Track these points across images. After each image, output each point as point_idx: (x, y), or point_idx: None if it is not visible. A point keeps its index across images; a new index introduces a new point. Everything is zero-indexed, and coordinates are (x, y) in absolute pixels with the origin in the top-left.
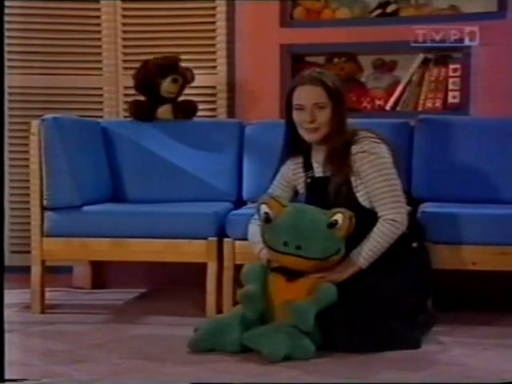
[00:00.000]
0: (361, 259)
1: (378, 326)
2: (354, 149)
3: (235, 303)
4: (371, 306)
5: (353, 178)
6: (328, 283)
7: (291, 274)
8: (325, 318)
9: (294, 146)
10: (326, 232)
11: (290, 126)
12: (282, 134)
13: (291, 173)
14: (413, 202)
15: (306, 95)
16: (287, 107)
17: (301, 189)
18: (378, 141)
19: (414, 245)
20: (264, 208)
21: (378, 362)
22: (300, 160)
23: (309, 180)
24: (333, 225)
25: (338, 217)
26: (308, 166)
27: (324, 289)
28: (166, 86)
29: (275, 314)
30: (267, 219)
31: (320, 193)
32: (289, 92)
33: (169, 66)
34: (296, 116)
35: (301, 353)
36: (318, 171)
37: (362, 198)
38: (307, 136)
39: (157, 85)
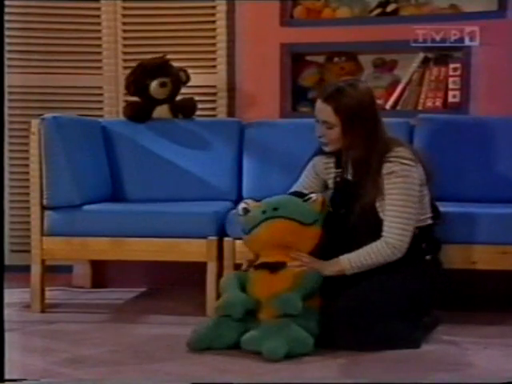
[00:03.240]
0: (347, 264)
1: (379, 325)
2: (385, 167)
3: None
4: (373, 305)
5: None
6: (311, 270)
7: (274, 267)
8: (326, 314)
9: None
10: (301, 202)
11: None
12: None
13: (323, 166)
14: (438, 216)
15: (318, 111)
16: None
17: (330, 184)
18: (411, 162)
19: (428, 257)
20: (242, 205)
21: (377, 361)
22: (332, 159)
23: (338, 179)
24: (307, 200)
25: (313, 195)
26: (339, 165)
27: (307, 275)
28: (154, 88)
29: (264, 310)
30: (246, 212)
31: (346, 194)
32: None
33: (157, 68)
34: (316, 125)
35: (300, 347)
36: (349, 173)
37: (381, 212)
38: (322, 146)
39: (146, 86)
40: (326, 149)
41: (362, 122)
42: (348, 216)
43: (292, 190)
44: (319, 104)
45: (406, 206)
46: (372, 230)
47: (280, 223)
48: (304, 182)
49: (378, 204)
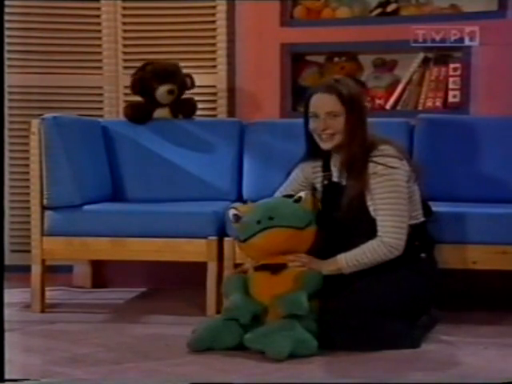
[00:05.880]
0: (344, 263)
1: (375, 324)
2: (370, 166)
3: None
4: (369, 304)
5: (366, 191)
6: (312, 270)
7: (275, 268)
8: (324, 315)
9: (313, 151)
10: (294, 205)
11: (308, 134)
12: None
13: (311, 170)
14: (429, 213)
15: (320, 103)
16: (305, 115)
17: (318, 188)
18: (394, 160)
19: (423, 255)
20: (232, 211)
21: (377, 361)
22: (319, 163)
23: (326, 182)
24: (298, 201)
25: (301, 193)
26: (327, 168)
27: (309, 275)
28: (161, 94)
29: (268, 312)
30: (237, 219)
31: (335, 197)
32: (306, 100)
33: (167, 73)
34: (311, 124)
35: (304, 349)
36: (336, 176)
37: (373, 211)
38: (321, 144)
39: (153, 89)
40: (328, 145)
41: (361, 112)
42: (338, 217)
43: (278, 193)
44: (319, 97)
45: (396, 203)
46: (364, 227)
47: (277, 232)
48: (293, 185)
49: (369, 203)
